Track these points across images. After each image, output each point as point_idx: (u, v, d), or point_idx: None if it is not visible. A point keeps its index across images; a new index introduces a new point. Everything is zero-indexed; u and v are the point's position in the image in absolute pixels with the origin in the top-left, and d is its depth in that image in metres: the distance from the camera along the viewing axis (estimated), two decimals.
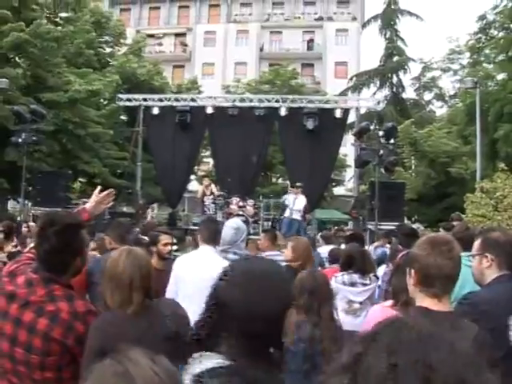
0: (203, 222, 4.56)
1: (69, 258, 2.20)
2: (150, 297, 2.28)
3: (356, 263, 4.74)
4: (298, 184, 13.86)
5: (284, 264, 4.38)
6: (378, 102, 18.03)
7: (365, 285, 4.68)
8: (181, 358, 2.16)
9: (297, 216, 13.38)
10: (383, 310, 2.63)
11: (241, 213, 14.21)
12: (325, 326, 3.01)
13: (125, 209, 21.48)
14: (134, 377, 0.80)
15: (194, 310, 3.95)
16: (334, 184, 27.51)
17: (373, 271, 4.88)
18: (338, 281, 4.70)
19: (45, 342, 2.11)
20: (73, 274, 2.30)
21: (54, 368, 2.14)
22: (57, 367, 2.14)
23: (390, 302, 2.73)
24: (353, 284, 4.68)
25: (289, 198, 13.60)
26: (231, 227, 4.55)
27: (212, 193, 14.02)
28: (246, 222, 12.82)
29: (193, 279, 4.02)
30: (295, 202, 13.32)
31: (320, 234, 9.60)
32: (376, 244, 7.97)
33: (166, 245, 4.43)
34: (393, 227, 13.07)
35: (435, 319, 1.81)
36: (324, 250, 6.46)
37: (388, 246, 7.12)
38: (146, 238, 6.54)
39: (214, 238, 4.25)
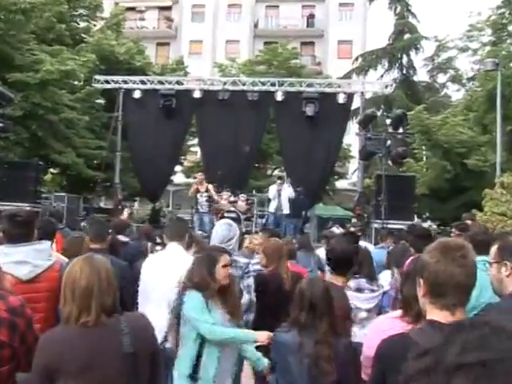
0: (169, 219, 4.65)
1: None
2: (112, 310, 2.27)
3: (363, 266, 4.73)
4: (279, 174, 13.93)
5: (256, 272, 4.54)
6: (386, 86, 18.10)
7: (373, 291, 4.70)
8: (137, 377, 2.21)
9: (283, 210, 13.61)
10: (390, 322, 2.62)
11: (232, 209, 14.42)
12: (324, 342, 3.05)
13: (102, 204, 21.47)
14: None
15: (161, 315, 3.97)
16: (336, 177, 27.64)
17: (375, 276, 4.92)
18: None
19: None
20: None
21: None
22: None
23: (398, 313, 2.71)
24: (359, 290, 4.67)
25: (271, 192, 13.96)
26: (223, 223, 4.77)
27: (207, 190, 14.17)
28: (237, 219, 13.25)
29: (160, 281, 4.19)
30: (280, 195, 13.52)
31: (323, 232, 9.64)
32: (381, 245, 8.00)
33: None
34: (401, 226, 13.12)
35: None
36: (324, 252, 6.40)
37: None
38: (124, 238, 6.69)
39: (180, 235, 4.39)
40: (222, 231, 4.62)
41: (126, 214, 8.75)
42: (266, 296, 4.51)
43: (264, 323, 4.19)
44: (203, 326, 3.42)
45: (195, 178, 15.42)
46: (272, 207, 13.61)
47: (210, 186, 14.39)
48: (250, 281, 4.44)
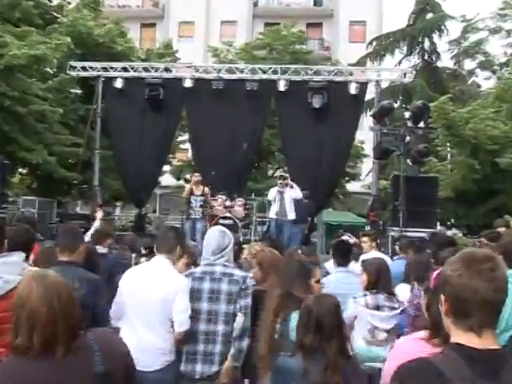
0: (159, 228, 4.66)
1: None
2: (74, 331, 2.26)
3: (381, 281, 4.85)
4: (283, 174, 14.08)
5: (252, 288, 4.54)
6: (405, 74, 17.83)
7: (393, 309, 4.78)
8: None
9: (287, 216, 13.47)
10: (416, 344, 2.63)
11: (228, 215, 14.44)
12: (333, 368, 3.07)
13: (79, 209, 21.35)
14: None
15: (142, 337, 4.19)
16: (347, 179, 27.65)
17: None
18: (359, 302, 4.81)
19: None
20: None
21: None
22: None
23: (423, 333, 2.74)
24: (378, 307, 4.76)
25: (271, 194, 13.79)
26: (216, 230, 4.77)
27: (203, 193, 14.17)
28: (234, 226, 13.34)
29: (136, 298, 4.34)
30: (283, 198, 13.37)
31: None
32: (399, 256, 8.06)
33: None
34: (422, 234, 13.12)
35: (475, 361, 1.79)
36: (332, 265, 6.56)
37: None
38: (102, 249, 6.72)
39: (169, 248, 4.50)
40: (214, 239, 4.61)
41: (97, 218, 8.63)
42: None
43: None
44: None
45: (188, 179, 15.27)
46: (273, 212, 13.55)
47: (207, 189, 14.40)
48: (248, 301, 4.42)
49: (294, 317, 3.58)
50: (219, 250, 4.52)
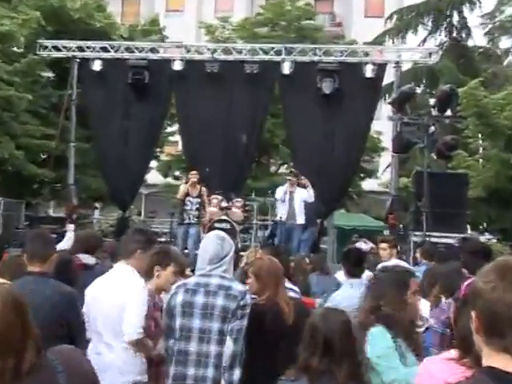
0: (128, 231, 5.12)
1: None
2: (33, 352, 2.24)
3: None
4: (292, 170, 14.12)
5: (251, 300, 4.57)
6: (430, 54, 17.93)
7: None
8: None
9: (296, 220, 13.47)
10: (444, 365, 2.62)
11: (224, 218, 14.40)
12: None
13: (51, 211, 21.22)
14: None
15: (101, 353, 4.54)
16: (362, 175, 27.70)
17: None
18: None
19: None
20: None
21: None
22: None
23: (452, 353, 2.72)
24: None
25: (279, 193, 13.78)
26: (213, 236, 4.75)
27: (200, 194, 14.21)
28: (231, 230, 13.24)
29: (97, 311, 4.53)
30: (292, 198, 13.39)
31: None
32: (422, 264, 8.16)
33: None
34: (450, 240, 13.25)
35: None
36: (343, 276, 6.62)
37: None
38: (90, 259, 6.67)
39: (128, 252, 4.67)
40: (211, 246, 4.59)
41: (70, 226, 8.70)
42: (260, 336, 4.49)
43: (256, 379, 4.28)
44: (397, 372, 3.57)
45: (178, 176, 15.04)
46: (280, 215, 13.54)
47: (204, 189, 14.42)
48: (244, 323, 4.36)
49: (375, 333, 3.66)
50: (217, 259, 4.49)
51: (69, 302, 4.26)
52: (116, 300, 4.49)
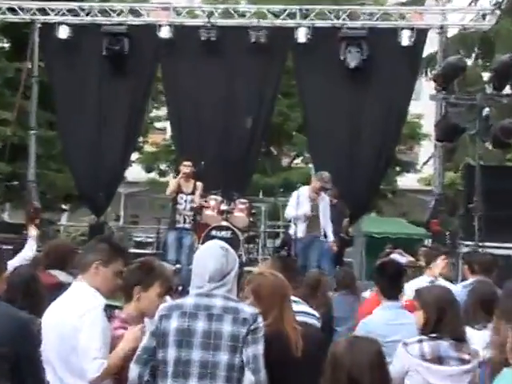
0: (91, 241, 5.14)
1: None
2: None
3: (447, 321, 4.86)
4: (325, 175, 13.64)
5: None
6: (484, 15, 17.82)
7: (463, 361, 4.78)
8: None
9: (321, 230, 13.41)
10: None
11: (224, 224, 14.53)
12: None
13: (6, 216, 21.16)
14: None
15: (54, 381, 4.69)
16: (397, 169, 27.95)
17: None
18: (413, 352, 4.82)
19: None
20: None
21: None
22: None
23: None
24: (440, 359, 4.78)
25: (295, 198, 13.35)
26: (216, 247, 4.64)
27: (194, 190, 14.13)
28: (233, 240, 13.47)
29: (50, 341, 4.54)
30: (316, 207, 13.22)
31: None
32: (470, 281, 8.05)
33: None
34: (510, 251, 13.59)
35: None
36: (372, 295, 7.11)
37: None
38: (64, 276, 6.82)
39: (84, 266, 4.72)
40: (211, 261, 4.45)
41: (32, 236, 8.70)
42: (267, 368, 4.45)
43: None
44: None
45: (165, 171, 14.84)
46: (300, 230, 13.04)
47: (199, 184, 14.30)
48: (259, 348, 4.30)
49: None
50: (220, 276, 4.37)
51: (20, 330, 4.08)
52: (66, 328, 4.46)
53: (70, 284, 6.10)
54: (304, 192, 13.49)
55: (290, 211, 13.36)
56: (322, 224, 13.40)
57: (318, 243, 13.36)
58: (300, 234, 13.07)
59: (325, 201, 13.52)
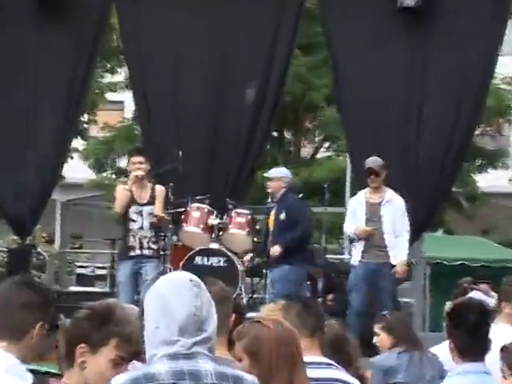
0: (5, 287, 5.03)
1: None
2: None
3: None
4: (377, 164, 13.96)
5: None
6: None
7: None
8: None
9: (387, 257, 13.81)
10: None
11: (214, 246, 14.79)
12: None
13: None
14: None
15: None
16: (478, 163, 28.40)
17: None
18: None
19: None
20: None
21: None
22: None
23: None
24: None
25: (354, 207, 14.14)
26: (184, 282, 4.32)
27: (151, 200, 14.12)
28: (228, 270, 14.47)
29: None
30: (378, 217, 13.85)
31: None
32: None
33: None
34: None
35: None
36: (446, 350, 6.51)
37: None
38: None
39: (11, 328, 4.71)
40: (180, 304, 4.04)
41: None
42: None
43: None
44: None
45: (122, 169, 16.00)
46: (356, 255, 13.73)
47: (160, 189, 13.89)
48: None
49: None
50: (195, 327, 4.06)
51: None
52: None
53: None
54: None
55: (347, 227, 14.47)
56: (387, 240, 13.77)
57: (377, 270, 14.06)
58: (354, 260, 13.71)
59: (393, 203, 13.95)
